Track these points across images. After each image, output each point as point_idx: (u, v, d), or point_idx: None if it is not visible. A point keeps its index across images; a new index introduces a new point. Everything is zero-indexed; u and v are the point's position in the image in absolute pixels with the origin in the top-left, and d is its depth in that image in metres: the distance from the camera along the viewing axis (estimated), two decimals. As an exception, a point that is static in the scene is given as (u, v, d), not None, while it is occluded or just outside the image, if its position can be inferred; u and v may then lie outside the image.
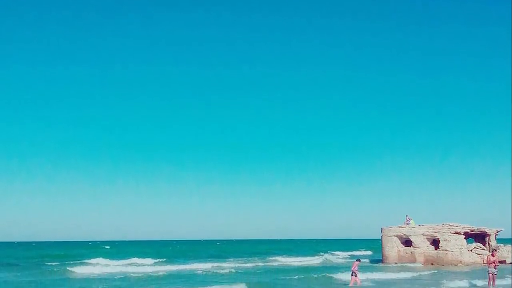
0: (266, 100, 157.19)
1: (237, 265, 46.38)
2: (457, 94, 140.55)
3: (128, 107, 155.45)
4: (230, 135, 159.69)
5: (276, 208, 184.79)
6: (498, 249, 41.70)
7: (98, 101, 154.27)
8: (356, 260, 28.68)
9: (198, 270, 39.17)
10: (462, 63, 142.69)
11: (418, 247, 43.54)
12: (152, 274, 35.19)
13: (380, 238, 45.81)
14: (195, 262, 48.27)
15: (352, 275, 27.24)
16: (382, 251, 45.88)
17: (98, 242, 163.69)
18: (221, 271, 37.38)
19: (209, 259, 56.27)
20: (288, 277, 31.72)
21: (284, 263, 52.36)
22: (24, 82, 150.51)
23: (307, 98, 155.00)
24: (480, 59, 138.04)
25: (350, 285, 26.67)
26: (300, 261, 54.25)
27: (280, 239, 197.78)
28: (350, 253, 74.02)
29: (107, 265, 44.94)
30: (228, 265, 44.71)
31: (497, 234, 45.53)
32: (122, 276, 33.22)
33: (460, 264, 41.37)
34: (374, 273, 32.92)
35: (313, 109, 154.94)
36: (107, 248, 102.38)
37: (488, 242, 44.85)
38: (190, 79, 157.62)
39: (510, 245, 43.17)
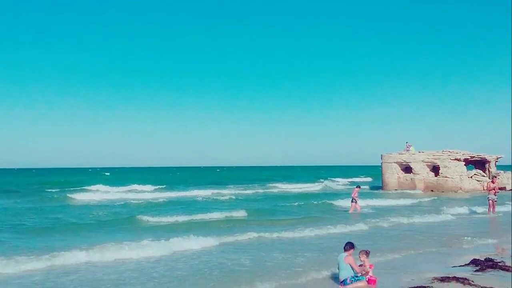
0: (266, 26, 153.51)
1: (237, 191, 46.61)
2: (457, 20, 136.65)
3: (128, 33, 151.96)
4: (230, 61, 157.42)
5: (276, 135, 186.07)
6: (498, 175, 41.74)
7: (98, 27, 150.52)
8: (356, 187, 28.51)
9: (198, 197, 39.31)
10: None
11: (418, 174, 43.51)
12: (152, 200, 35.24)
13: (380, 164, 45.74)
14: (195, 189, 48.49)
15: (352, 201, 27.14)
16: (382, 178, 45.96)
17: (98, 169, 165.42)
18: (221, 198, 37.50)
19: (209, 185, 56.56)
20: (288, 204, 31.75)
21: (284, 189, 52.65)
22: (24, 7, 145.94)
23: (307, 24, 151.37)
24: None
25: (350, 211, 26.57)
26: (300, 188, 54.61)
27: (280, 166, 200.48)
28: (350, 179, 74.66)
29: (107, 192, 45.05)
30: (228, 192, 44.87)
31: (497, 161, 45.43)
32: (122, 203, 33.21)
33: (460, 191, 41.48)
34: (374, 199, 32.98)
35: (313, 35, 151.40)
36: (107, 175, 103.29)
37: (488, 169, 44.84)
38: (190, 4, 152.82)
39: (510, 172, 43.14)
